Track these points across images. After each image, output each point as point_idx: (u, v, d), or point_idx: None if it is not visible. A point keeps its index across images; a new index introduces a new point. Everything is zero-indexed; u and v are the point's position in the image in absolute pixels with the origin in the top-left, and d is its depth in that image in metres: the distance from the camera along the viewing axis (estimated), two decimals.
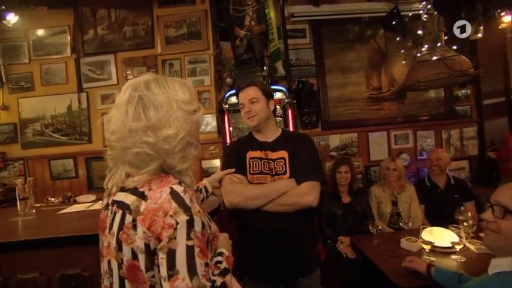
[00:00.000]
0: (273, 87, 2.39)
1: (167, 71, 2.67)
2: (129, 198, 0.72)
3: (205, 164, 2.71)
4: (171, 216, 0.65)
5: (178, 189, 0.70)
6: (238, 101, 1.37)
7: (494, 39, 2.97)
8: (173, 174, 0.77)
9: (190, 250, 0.65)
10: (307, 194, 1.20)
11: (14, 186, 1.77)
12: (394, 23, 2.51)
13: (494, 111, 3.10)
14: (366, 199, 2.43)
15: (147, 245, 0.67)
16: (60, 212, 1.69)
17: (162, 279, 0.64)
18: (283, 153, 1.28)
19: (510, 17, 2.42)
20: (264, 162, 1.29)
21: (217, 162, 2.72)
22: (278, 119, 2.51)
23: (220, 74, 2.70)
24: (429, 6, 2.26)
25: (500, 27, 2.57)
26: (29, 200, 1.70)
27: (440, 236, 1.70)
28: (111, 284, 0.74)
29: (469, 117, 3.14)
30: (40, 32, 2.80)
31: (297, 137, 1.44)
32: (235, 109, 2.37)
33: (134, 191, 0.72)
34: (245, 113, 1.32)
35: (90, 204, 1.85)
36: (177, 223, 0.65)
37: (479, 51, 3.04)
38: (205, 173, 2.68)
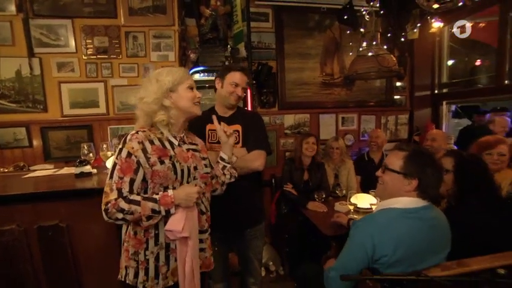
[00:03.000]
0: None
1: (131, 44, 2.65)
2: None
3: None
4: (119, 144, 1.11)
5: (131, 134, 1.11)
6: (230, 77, 1.53)
7: (427, 41, 3.46)
8: (157, 126, 1.17)
9: (114, 164, 1.08)
10: (256, 160, 1.47)
11: None
12: (345, 17, 2.80)
13: (422, 102, 3.67)
14: (322, 173, 2.68)
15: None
16: (26, 176, 1.73)
17: None
18: (238, 127, 1.51)
19: (438, 23, 2.85)
20: None
21: None
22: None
23: (185, 51, 2.76)
24: (378, 5, 2.57)
25: (430, 31, 3.01)
26: None
27: (362, 200, 2.13)
28: None
29: (403, 106, 3.66)
30: None
31: (249, 114, 1.71)
32: (198, 86, 2.50)
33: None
34: (236, 94, 1.52)
35: (56, 170, 1.90)
36: (117, 148, 1.10)
37: (416, 51, 3.52)
38: None
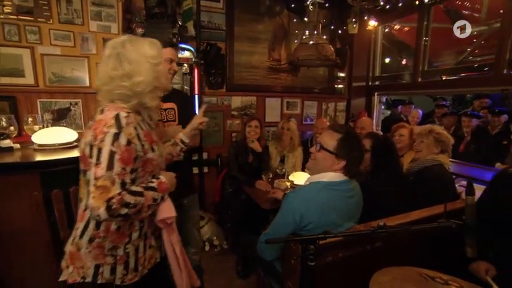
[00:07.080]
0: (182, 45, 2.54)
1: (64, 8, 2.37)
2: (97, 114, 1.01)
3: None
4: (107, 127, 0.93)
5: (122, 114, 0.97)
6: (159, 52, 1.47)
7: (365, 36, 3.82)
8: (144, 110, 1.06)
9: (112, 153, 0.92)
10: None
11: None
12: (293, 5, 2.92)
13: (358, 92, 4.08)
14: (264, 156, 2.73)
15: (90, 140, 0.95)
16: None
17: (92, 165, 0.93)
18: (172, 105, 1.56)
19: (373, 22, 3.17)
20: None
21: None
22: (186, 76, 2.68)
23: (130, 24, 2.59)
24: None
25: (367, 28, 3.32)
26: None
27: (299, 177, 2.37)
28: None
29: (342, 95, 4.01)
30: None
31: (182, 94, 1.77)
32: None
33: (101, 110, 1.00)
34: (173, 70, 1.43)
35: None
36: (108, 132, 0.93)
37: (355, 45, 3.86)
38: None
